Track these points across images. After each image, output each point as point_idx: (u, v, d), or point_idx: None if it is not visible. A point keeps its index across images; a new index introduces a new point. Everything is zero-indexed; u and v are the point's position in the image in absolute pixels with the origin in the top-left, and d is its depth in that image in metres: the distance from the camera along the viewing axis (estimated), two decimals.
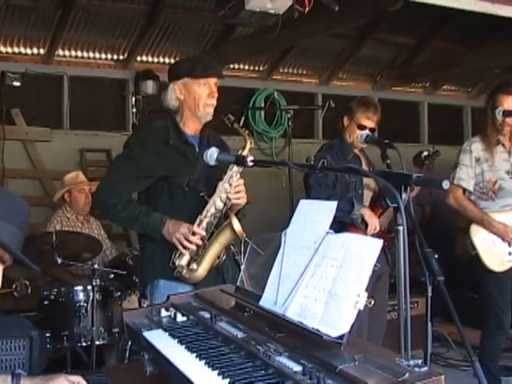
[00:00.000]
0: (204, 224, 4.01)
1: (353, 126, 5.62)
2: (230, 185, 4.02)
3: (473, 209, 5.46)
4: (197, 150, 4.19)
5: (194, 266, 3.98)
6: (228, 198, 4.02)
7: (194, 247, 3.97)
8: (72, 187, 6.76)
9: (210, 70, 4.22)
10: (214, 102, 4.21)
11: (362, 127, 5.55)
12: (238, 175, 4.05)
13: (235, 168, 4.03)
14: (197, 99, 4.17)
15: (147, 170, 4.09)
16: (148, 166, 4.08)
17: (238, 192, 4.04)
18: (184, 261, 3.99)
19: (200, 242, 3.98)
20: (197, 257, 3.99)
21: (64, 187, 6.80)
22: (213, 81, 4.21)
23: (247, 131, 4.16)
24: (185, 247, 3.96)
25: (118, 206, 4.08)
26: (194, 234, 3.96)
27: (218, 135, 4.46)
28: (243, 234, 3.97)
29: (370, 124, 5.61)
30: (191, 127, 4.26)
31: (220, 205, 4.03)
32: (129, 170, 4.12)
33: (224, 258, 4.15)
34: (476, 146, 5.49)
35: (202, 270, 3.99)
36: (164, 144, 4.12)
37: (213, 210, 4.02)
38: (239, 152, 4.06)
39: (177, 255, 4.01)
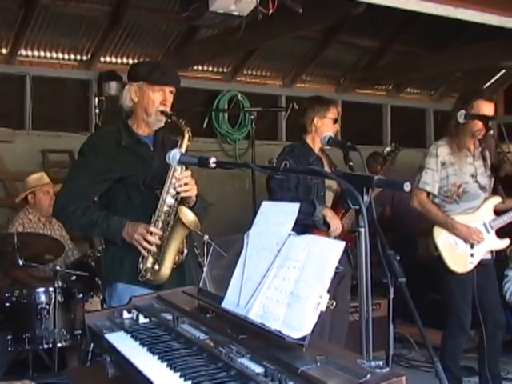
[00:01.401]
0: (160, 223, 3.99)
1: (328, 123, 5.61)
2: (176, 178, 4.00)
3: (436, 212, 5.50)
4: (151, 148, 4.18)
5: (156, 266, 3.97)
6: (177, 192, 4.01)
7: (153, 247, 3.96)
8: (36, 189, 6.71)
9: (166, 77, 4.20)
10: (167, 109, 4.16)
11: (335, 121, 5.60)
12: (183, 167, 4.03)
13: None
14: (150, 104, 4.15)
15: (102, 173, 4.07)
16: (103, 170, 4.06)
17: (185, 184, 4.02)
18: (149, 264, 3.98)
19: (158, 242, 3.96)
20: (158, 257, 3.98)
21: (28, 188, 6.74)
22: (168, 89, 4.19)
23: (184, 121, 4.14)
24: (145, 248, 3.95)
25: (76, 212, 4.06)
26: (151, 233, 3.95)
27: (171, 135, 4.45)
28: (194, 224, 3.96)
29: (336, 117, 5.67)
30: (144, 129, 4.24)
31: (171, 201, 4.00)
32: (84, 176, 4.10)
33: (186, 252, 4.13)
34: (442, 150, 5.52)
35: (164, 269, 3.98)
36: (117, 146, 4.11)
37: (165, 208, 4.00)
38: (179, 142, 4.07)
39: (141, 259, 4.00)
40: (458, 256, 5.47)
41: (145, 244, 3.93)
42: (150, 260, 3.98)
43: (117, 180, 4.09)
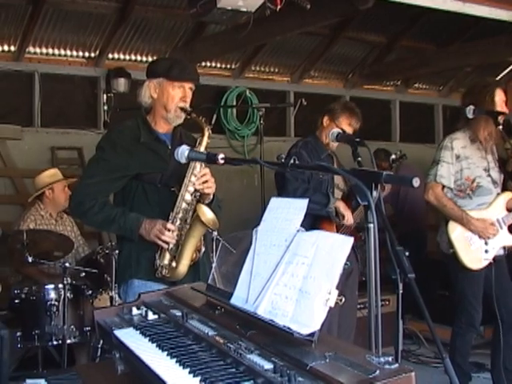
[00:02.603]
0: (178, 220, 4.00)
1: (332, 127, 5.62)
2: (195, 176, 4.00)
3: (452, 206, 5.47)
4: (169, 147, 4.18)
5: (173, 263, 3.97)
6: (196, 189, 4.01)
7: (171, 244, 3.96)
8: (54, 184, 6.72)
9: (186, 73, 4.20)
10: (186, 105, 4.18)
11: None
12: (202, 165, 4.04)
13: None
14: (169, 101, 4.16)
15: (120, 169, 4.07)
16: (120, 166, 4.06)
17: (204, 182, 4.02)
18: (166, 260, 3.98)
19: (175, 238, 3.96)
20: (176, 254, 3.98)
21: (44, 184, 6.72)
22: (188, 85, 4.20)
23: (204, 119, 4.15)
24: (165, 243, 3.95)
25: (93, 208, 4.05)
26: (169, 230, 3.95)
27: (190, 134, 4.44)
28: (212, 222, 3.96)
29: (349, 130, 5.65)
30: (163, 126, 4.25)
31: (189, 198, 4.01)
32: (102, 171, 4.10)
33: (204, 250, 4.14)
34: (457, 143, 5.50)
35: (182, 266, 3.98)
36: (135, 142, 4.11)
37: (184, 205, 4.01)
38: (198, 140, 4.10)
39: (158, 256, 4.00)
40: (473, 252, 5.45)
41: (164, 238, 3.93)
42: (168, 257, 3.98)
43: (134, 177, 4.09)
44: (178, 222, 4.00)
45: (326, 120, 5.77)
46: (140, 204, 4.12)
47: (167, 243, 3.96)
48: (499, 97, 5.49)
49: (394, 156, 6.16)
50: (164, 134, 4.25)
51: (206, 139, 4.08)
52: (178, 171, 4.03)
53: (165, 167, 4.09)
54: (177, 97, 4.16)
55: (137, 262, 4.09)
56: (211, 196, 4.13)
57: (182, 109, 4.15)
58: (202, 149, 4.06)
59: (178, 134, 4.31)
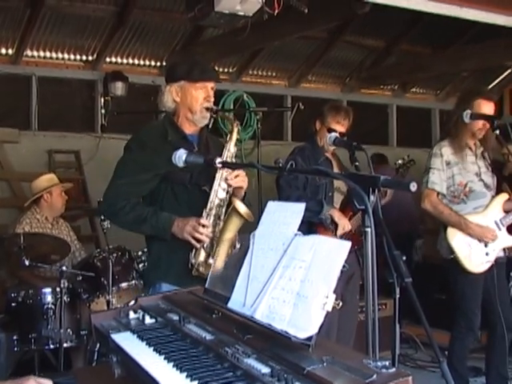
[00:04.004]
0: (211, 217, 3.98)
1: (323, 129, 5.68)
2: (227, 171, 4.00)
3: (449, 212, 5.48)
4: (196, 148, 4.17)
5: (211, 260, 3.92)
6: (228, 184, 4.01)
7: (206, 239, 3.92)
8: (53, 188, 6.72)
9: (207, 73, 4.21)
10: (211, 105, 4.19)
11: (331, 131, 5.57)
12: (233, 160, 4.07)
13: (228, 153, 4.06)
14: (194, 102, 4.16)
15: (149, 168, 4.05)
16: (149, 164, 4.03)
17: (236, 176, 4.02)
18: (201, 258, 3.94)
19: (211, 234, 3.93)
20: (211, 251, 3.95)
21: (42, 188, 6.72)
22: (210, 85, 4.20)
23: (231, 115, 4.17)
24: (198, 240, 3.91)
25: (125, 208, 4.05)
26: (203, 226, 3.92)
27: (217, 138, 4.46)
28: (251, 215, 3.93)
29: (339, 128, 5.65)
30: (189, 128, 4.25)
31: (222, 194, 4.00)
32: (131, 172, 4.09)
33: (239, 246, 4.12)
34: (446, 150, 5.52)
35: (220, 262, 3.95)
36: (162, 141, 4.09)
37: (217, 201, 3.99)
38: (228, 136, 4.13)
39: (193, 254, 3.97)
40: (474, 256, 5.45)
41: (197, 235, 3.90)
42: (203, 254, 3.93)
43: (162, 179, 4.08)
44: (212, 219, 3.98)
45: (317, 124, 5.79)
46: (169, 205, 4.11)
47: (201, 241, 3.92)
48: (484, 107, 5.50)
49: (400, 161, 6.11)
50: (190, 135, 4.25)
51: (235, 134, 4.10)
52: (206, 170, 4.00)
53: (191, 167, 4.06)
54: (200, 97, 4.16)
55: (167, 264, 4.06)
56: (243, 192, 4.13)
57: (208, 108, 4.17)
58: (232, 144, 4.09)
59: (204, 135, 4.32)
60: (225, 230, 3.95)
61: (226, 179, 3.99)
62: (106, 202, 4.18)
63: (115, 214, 4.13)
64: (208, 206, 3.99)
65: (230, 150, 4.07)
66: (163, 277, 4.04)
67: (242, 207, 3.91)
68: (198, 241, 3.92)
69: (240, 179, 4.03)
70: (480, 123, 5.45)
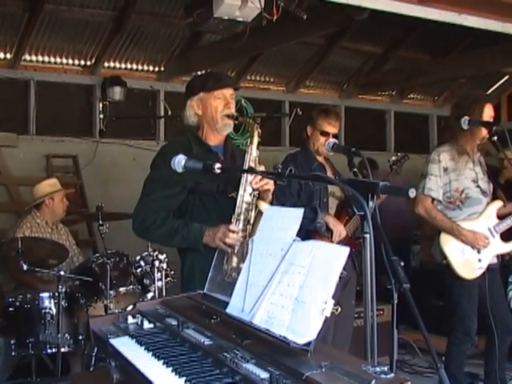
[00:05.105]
0: (241, 222, 3.97)
1: (316, 133, 5.66)
2: (251, 175, 4.00)
3: (442, 218, 5.49)
4: (221, 158, 4.19)
5: (241, 265, 3.91)
6: (254, 188, 4.01)
7: (236, 246, 3.91)
8: (55, 194, 6.73)
9: (222, 81, 4.24)
10: (232, 111, 4.21)
11: (325, 134, 5.59)
12: (257, 164, 4.05)
13: (251, 156, 4.05)
14: (214, 112, 4.17)
15: (176, 182, 4.04)
16: (176, 179, 4.00)
17: (261, 179, 4.01)
18: (234, 263, 3.93)
19: (240, 240, 3.90)
20: (243, 256, 3.95)
21: (44, 193, 6.71)
22: (228, 92, 4.21)
23: (251, 120, 4.17)
24: (230, 246, 3.90)
25: (156, 222, 4.07)
26: (233, 232, 3.92)
27: (240, 149, 4.49)
28: None
29: (332, 130, 5.65)
30: (213, 139, 4.26)
31: (249, 198, 3.99)
32: (159, 188, 4.11)
33: None
34: (444, 156, 5.52)
35: None
36: (188, 155, 4.10)
37: (244, 206, 3.97)
38: (248, 141, 4.13)
39: (226, 261, 3.96)
40: (467, 262, 5.45)
41: (228, 240, 3.90)
42: (235, 259, 3.92)
43: (190, 191, 4.10)
44: (242, 224, 3.97)
45: (309, 130, 5.77)
46: (199, 215, 4.13)
47: (232, 246, 3.92)
48: (487, 112, 5.52)
49: (394, 158, 6.10)
50: (215, 146, 4.27)
51: (256, 138, 4.09)
52: (233, 177, 4.03)
53: (218, 177, 4.05)
54: (220, 106, 4.17)
55: (201, 274, 4.01)
56: (270, 194, 4.12)
57: (228, 115, 4.18)
58: (254, 147, 4.06)
59: (229, 146, 4.35)
60: (254, 233, 3.95)
61: (251, 183, 4.00)
62: (137, 219, 4.19)
63: (147, 229, 4.14)
64: (236, 212, 3.99)
65: (253, 154, 4.06)
66: (199, 285, 4.05)
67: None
68: (230, 246, 3.94)
69: (264, 182, 4.02)
70: (485, 131, 5.44)
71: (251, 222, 3.99)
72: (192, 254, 4.13)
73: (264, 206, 3.95)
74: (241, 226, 3.97)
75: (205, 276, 3.98)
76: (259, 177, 3.98)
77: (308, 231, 5.28)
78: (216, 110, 4.18)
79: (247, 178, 3.99)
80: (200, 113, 4.23)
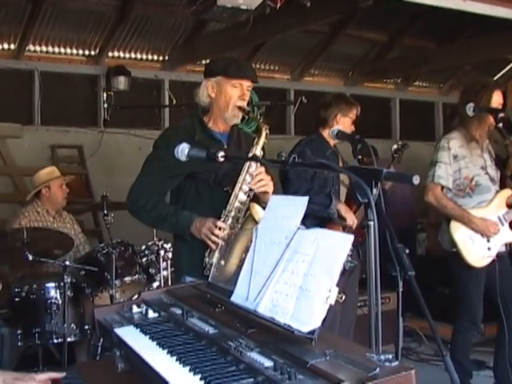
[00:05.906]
0: (230, 219, 3.97)
1: (344, 122, 5.68)
2: (251, 175, 3.99)
3: (453, 206, 5.46)
4: (225, 146, 4.16)
5: (222, 262, 3.92)
6: (250, 189, 3.99)
7: (221, 242, 3.90)
8: (51, 182, 6.72)
9: (244, 71, 4.20)
10: (244, 104, 4.17)
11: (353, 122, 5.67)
12: (258, 164, 4.03)
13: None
14: (227, 99, 4.14)
15: (174, 167, 4.00)
16: (175, 164, 3.97)
17: (259, 180, 4.00)
18: (215, 259, 3.93)
19: (225, 237, 3.89)
20: (225, 253, 3.95)
21: (40, 182, 6.73)
22: (246, 84, 4.17)
23: (261, 118, 4.16)
24: (213, 242, 3.92)
25: (147, 205, 4.09)
26: (220, 228, 3.92)
27: (251, 134, 4.44)
28: None
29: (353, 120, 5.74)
30: (219, 126, 4.25)
31: (243, 197, 3.99)
32: (157, 170, 4.12)
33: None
34: (454, 143, 5.49)
35: (231, 265, 3.92)
36: (190, 141, 4.06)
37: (237, 204, 3.98)
38: (255, 140, 4.13)
39: (208, 254, 3.98)
40: (476, 250, 5.43)
41: (213, 238, 3.91)
42: (217, 255, 3.92)
43: (188, 176, 4.10)
44: (230, 221, 3.97)
45: (338, 117, 5.73)
46: (193, 203, 4.13)
47: (216, 243, 3.93)
48: (496, 98, 5.49)
49: (395, 146, 6.12)
50: (220, 134, 4.24)
51: (262, 139, 4.09)
52: (231, 171, 4.02)
53: (218, 167, 4.03)
54: (235, 95, 4.14)
55: (188, 260, 4.09)
56: (269, 197, 4.08)
57: (240, 108, 4.15)
58: (259, 149, 4.07)
59: (236, 133, 4.31)
60: (239, 235, 3.93)
61: (249, 183, 3.99)
62: (131, 199, 4.22)
63: (139, 211, 4.18)
64: (227, 208, 3.99)
65: (256, 154, 4.05)
66: (186, 272, 4.05)
67: (259, 213, 3.85)
68: (213, 242, 3.93)
69: (263, 183, 4.02)
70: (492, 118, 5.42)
71: (240, 220, 3.98)
72: (181, 242, 4.17)
73: (257, 209, 3.90)
74: (229, 222, 3.96)
75: (191, 265, 4.00)
76: (259, 177, 3.97)
77: (322, 220, 5.28)
78: (230, 98, 4.14)
79: (245, 177, 3.98)
80: (213, 96, 4.19)
